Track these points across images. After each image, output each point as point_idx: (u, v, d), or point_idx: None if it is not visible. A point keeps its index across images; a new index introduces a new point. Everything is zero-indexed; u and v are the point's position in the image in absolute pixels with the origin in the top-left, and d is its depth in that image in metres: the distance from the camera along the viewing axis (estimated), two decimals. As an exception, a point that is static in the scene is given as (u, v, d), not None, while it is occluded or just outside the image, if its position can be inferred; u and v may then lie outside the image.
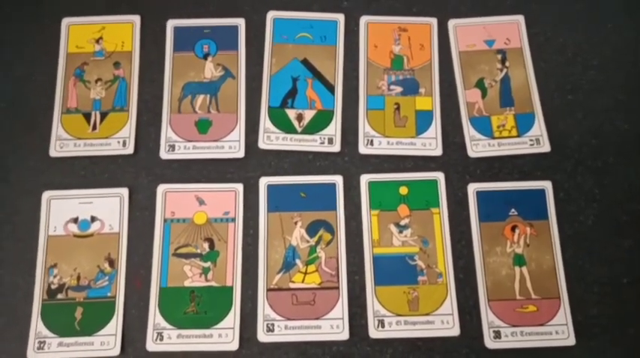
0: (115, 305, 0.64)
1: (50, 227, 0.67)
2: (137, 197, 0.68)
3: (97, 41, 0.73)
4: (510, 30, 0.74)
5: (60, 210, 0.67)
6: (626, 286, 0.65)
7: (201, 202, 0.67)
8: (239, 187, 0.68)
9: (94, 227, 0.67)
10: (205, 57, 0.73)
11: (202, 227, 0.67)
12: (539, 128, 0.70)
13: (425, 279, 0.65)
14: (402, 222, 0.67)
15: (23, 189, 0.68)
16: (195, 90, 0.72)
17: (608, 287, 0.65)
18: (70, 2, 0.75)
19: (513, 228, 0.67)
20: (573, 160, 0.69)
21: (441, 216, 0.67)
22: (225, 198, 0.68)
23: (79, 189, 0.68)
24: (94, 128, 0.70)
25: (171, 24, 0.74)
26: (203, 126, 0.70)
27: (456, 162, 0.69)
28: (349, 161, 0.69)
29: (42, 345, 0.63)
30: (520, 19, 0.74)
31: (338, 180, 0.68)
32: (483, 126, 0.70)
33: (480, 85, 0.72)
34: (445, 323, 0.63)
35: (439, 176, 0.68)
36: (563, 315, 0.64)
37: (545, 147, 0.69)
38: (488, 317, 0.64)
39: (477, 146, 0.69)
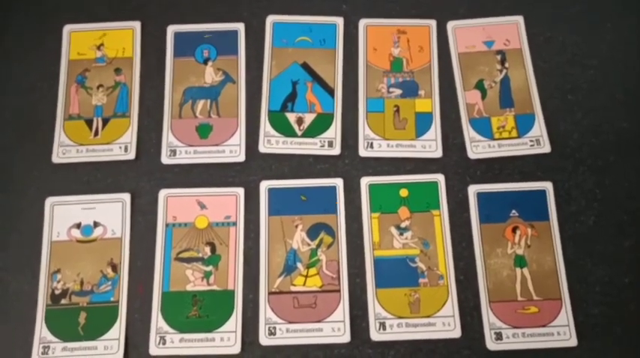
0: (118, 309, 0.65)
1: (54, 232, 0.67)
2: (139, 202, 0.68)
3: (98, 47, 0.74)
4: (509, 31, 0.74)
5: (63, 215, 0.68)
6: (628, 286, 0.65)
7: (202, 206, 0.68)
8: (240, 191, 0.68)
9: (97, 232, 0.67)
10: (205, 62, 0.73)
11: (204, 231, 0.67)
12: (539, 129, 0.70)
13: (426, 281, 0.65)
14: (403, 225, 0.67)
15: (27, 195, 0.69)
16: (195, 95, 0.72)
17: (609, 287, 0.65)
18: (71, 9, 0.75)
19: (514, 230, 0.67)
20: (573, 160, 0.69)
21: (442, 218, 0.67)
22: (226, 202, 0.68)
23: (81, 195, 0.68)
24: (96, 134, 0.71)
25: (171, 29, 0.74)
26: (204, 130, 0.71)
27: (456, 164, 0.69)
28: (349, 164, 0.70)
29: (46, 350, 0.63)
30: (519, 19, 0.74)
31: (338, 183, 0.68)
32: (483, 127, 0.70)
33: (479, 86, 0.72)
34: (446, 325, 0.64)
35: (439, 178, 0.68)
36: (565, 316, 0.63)
37: (546, 147, 0.69)
38: (489, 319, 0.64)
39: (477, 147, 0.70)
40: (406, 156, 0.69)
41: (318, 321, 0.64)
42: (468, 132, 0.70)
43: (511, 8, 0.75)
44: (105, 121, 0.71)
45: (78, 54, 0.74)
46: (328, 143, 0.70)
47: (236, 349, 0.63)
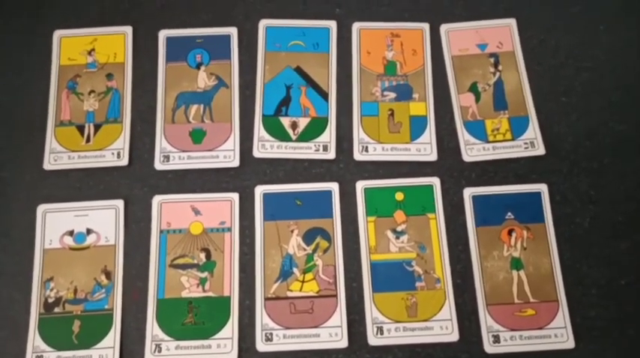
0: (113, 317, 0.64)
1: (46, 240, 0.66)
2: (132, 208, 0.68)
3: (89, 53, 0.73)
4: (502, 33, 0.74)
5: (55, 223, 0.67)
6: (624, 287, 0.65)
7: (196, 212, 0.67)
8: (234, 196, 0.68)
9: (90, 239, 0.66)
10: (198, 66, 0.73)
11: (198, 237, 0.67)
12: (533, 131, 0.70)
13: (423, 285, 0.65)
14: (399, 228, 0.67)
15: (18, 202, 0.68)
16: (188, 100, 0.71)
17: (606, 289, 0.65)
18: (61, 14, 0.74)
19: (510, 232, 0.66)
20: (568, 162, 0.69)
21: (438, 221, 0.67)
22: (220, 208, 0.67)
23: (74, 202, 0.68)
24: (88, 140, 0.70)
25: (163, 34, 0.74)
26: (197, 136, 0.70)
27: (451, 167, 0.69)
28: (344, 168, 0.69)
29: (40, 360, 0.63)
30: (512, 22, 0.74)
31: (334, 187, 0.68)
32: (478, 130, 0.70)
33: (473, 89, 0.72)
34: (444, 328, 0.63)
35: (435, 181, 0.68)
36: (562, 318, 0.63)
37: (540, 150, 0.69)
38: (487, 322, 0.64)
39: (472, 150, 0.69)
40: (401, 160, 0.69)
41: (315, 327, 0.63)
42: (463, 135, 0.70)
43: (505, 11, 0.75)
44: (97, 127, 0.70)
45: (69, 59, 0.73)
46: (323, 147, 0.70)
47: (233, 356, 0.62)
